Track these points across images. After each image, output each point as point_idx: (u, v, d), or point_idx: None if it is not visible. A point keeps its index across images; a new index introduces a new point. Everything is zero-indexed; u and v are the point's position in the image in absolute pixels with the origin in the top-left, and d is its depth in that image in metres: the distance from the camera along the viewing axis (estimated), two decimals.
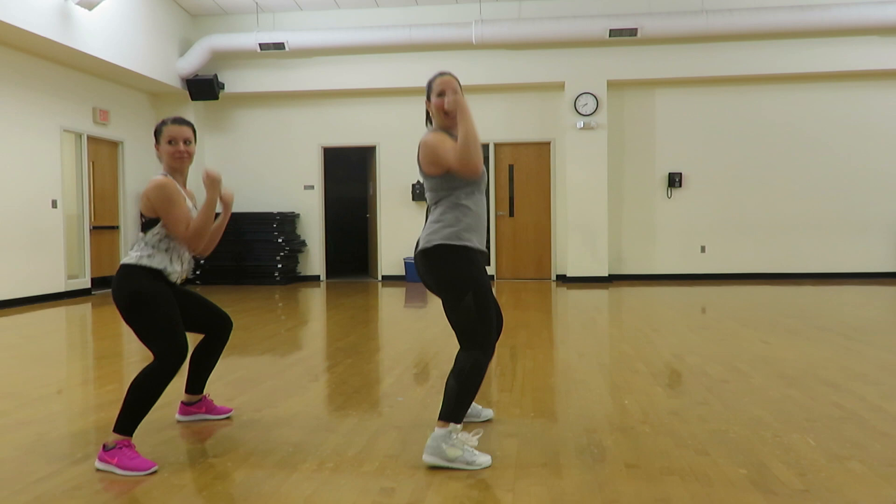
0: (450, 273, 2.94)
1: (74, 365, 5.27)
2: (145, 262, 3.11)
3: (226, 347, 5.66)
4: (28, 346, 5.98)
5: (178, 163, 3.22)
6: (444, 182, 3.02)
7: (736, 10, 10.44)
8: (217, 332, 3.47)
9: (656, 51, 11.02)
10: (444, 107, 3.04)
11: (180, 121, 3.28)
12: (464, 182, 3.02)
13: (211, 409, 3.59)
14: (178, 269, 3.21)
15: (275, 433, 3.31)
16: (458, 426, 2.85)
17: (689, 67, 11.00)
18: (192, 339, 3.41)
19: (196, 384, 3.54)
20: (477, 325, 2.89)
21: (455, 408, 2.84)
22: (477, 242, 3.03)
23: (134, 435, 2.99)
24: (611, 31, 10.63)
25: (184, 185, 3.30)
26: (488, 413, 3.51)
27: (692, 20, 10.46)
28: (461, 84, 3.20)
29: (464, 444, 2.83)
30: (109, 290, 9.31)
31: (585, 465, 2.83)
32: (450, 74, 3.16)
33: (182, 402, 3.57)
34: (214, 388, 4.29)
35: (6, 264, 8.53)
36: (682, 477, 2.69)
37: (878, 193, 11.15)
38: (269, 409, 3.75)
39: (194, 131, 3.32)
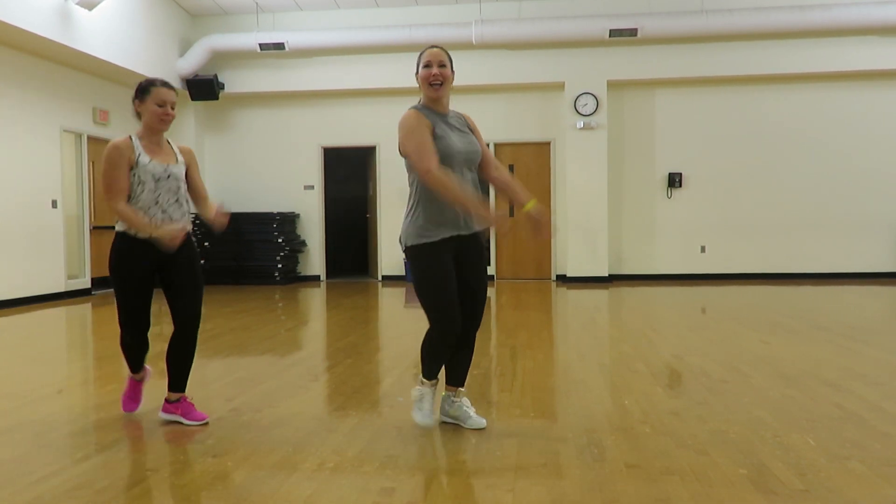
0: (414, 270, 3.22)
1: (74, 365, 5.28)
2: (118, 226, 3.39)
3: (226, 347, 5.66)
4: (28, 347, 5.98)
5: (162, 125, 3.41)
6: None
7: (736, 10, 10.44)
8: (177, 327, 3.47)
9: (656, 51, 11.02)
10: (428, 78, 3.15)
11: (169, 84, 3.45)
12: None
13: (186, 412, 3.48)
14: (158, 220, 3.36)
15: (275, 433, 3.31)
16: (424, 379, 3.29)
17: (689, 67, 11.00)
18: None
19: (170, 381, 3.50)
20: (428, 311, 3.19)
21: (421, 364, 3.33)
22: (444, 231, 3.14)
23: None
24: (611, 31, 10.63)
25: (159, 144, 3.45)
26: (477, 422, 3.35)
27: (692, 20, 10.46)
28: (452, 59, 3.27)
29: (416, 396, 3.31)
30: (110, 290, 9.30)
31: (585, 466, 2.83)
32: (439, 48, 3.24)
33: (165, 399, 3.54)
34: (215, 387, 4.30)
35: (6, 264, 8.53)
36: (682, 477, 2.69)
37: (878, 193, 11.15)
38: (269, 409, 3.75)
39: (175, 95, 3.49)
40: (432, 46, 3.26)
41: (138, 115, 3.42)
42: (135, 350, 3.54)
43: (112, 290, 3.46)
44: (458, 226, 3.18)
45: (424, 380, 3.30)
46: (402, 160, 3.26)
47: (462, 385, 3.41)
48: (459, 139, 3.22)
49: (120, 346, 3.55)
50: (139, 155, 3.36)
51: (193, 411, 3.50)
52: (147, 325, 3.48)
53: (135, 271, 3.36)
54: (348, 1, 11.19)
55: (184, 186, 3.52)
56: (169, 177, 3.40)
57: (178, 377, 3.50)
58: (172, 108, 3.41)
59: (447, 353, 3.26)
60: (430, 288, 3.16)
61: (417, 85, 3.25)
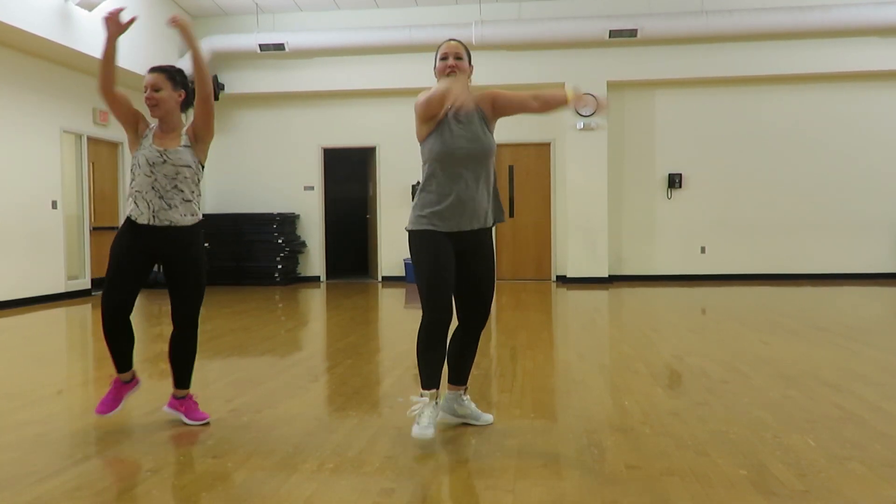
0: (412, 255, 3.24)
1: (74, 366, 5.28)
2: (128, 210, 3.44)
3: (226, 348, 5.66)
4: (28, 347, 5.98)
5: (152, 111, 3.40)
6: (422, 148, 3.23)
7: (736, 10, 10.44)
8: (175, 325, 3.49)
9: (656, 51, 11.02)
10: (444, 70, 3.16)
11: (154, 68, 3.45)
12: (435, 153, 3.16)
13: (189, 411, 3.49)
14: (144, 210, 3.34)
15: (275, 434, 3.31)
16: (422, 391, 3.15)
17: (688, 68, 11.00)
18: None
19: (174, 378, 3.52)
20: (421, 297, 3.19)
21: (418, 371, 3.20)
22: (446, 223, 3.14)
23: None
24: (611, 31, 10.63)
25: (170, 130, 3.42)
26: (487, 418, 3.42)
27: (692, 21, 10.46)
28: (470, 54, 3.27)
29: (416, 411, 3.12)
30: None
31: (585, 466, 2.83)
32: (457, 41, 3.25)
33: (171, 395, 3.57)
34: (215, 388, 4.30)
35: (6, 265, 8.53)
36: (683, 478, 2.69)
37: (878, 194, 11.15)
38: (269, 409, 3.75)
39: (172, 77, 3.42)
40: (450, 40, 3.27)
41: None
42: (115, 335, 3.37)
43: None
44: (461, 222, 3.17)
45: (423, 391, 3.15)
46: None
47: (466, 383, 3.40)
48: (464, 135, 3.17)
49: (104, 336, 3.38)
50: (145, 137, 3.39)
51: (196, 411, 3.50)
52: (126, 304, 3.35)
53: (122, 246, 3.38)
54: (348, 2, 11.19)
55: (185, 172, 3.38)
56: (164, 162, 3.34)
57: (179, 375, 3.50)
58: (157, 91, 3.36)
59: (438, 349, 3.14)
60: (424, 272, 3.16)
61: (435, 78, 3.24)
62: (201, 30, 11.65)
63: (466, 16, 11.05)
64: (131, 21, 3.30)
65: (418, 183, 11.80)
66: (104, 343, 3.40)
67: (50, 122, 9.30)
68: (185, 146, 3.41)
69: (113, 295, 3.33)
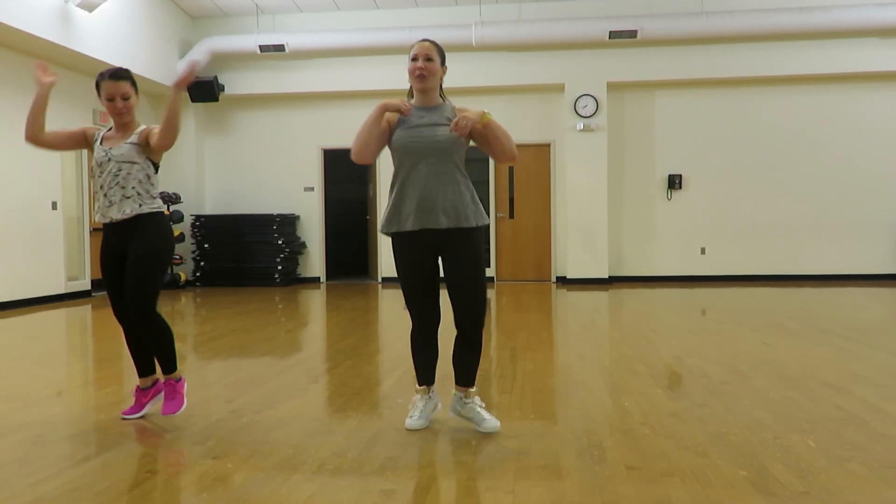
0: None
1: (74, 367, 5.28)
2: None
3: (226, 349, 5.65)
4: (28, 348, 5.97)
5: (118, 118, 3.40)
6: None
7: (736, 11, 10.45)
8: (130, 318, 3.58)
9: (656, 52, 11.03)
10: (414, 71, 3.25)
11: (117, 75, 3.36)
12: (395, 158, 3.28)
13: (157, 395, 3.67)
14: (98, 210, 3.45)
15: (275, 435, 3.31)
16: (416, 386, 3.42)
17: (688, 69, 11.00)
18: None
19: (138, 367, 3.64)
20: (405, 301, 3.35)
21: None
22: (412, 222, 3.19)
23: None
24: (611, 32, 10.64)
25: (125, 132, 3.45)
26: (490, 425, 3.29)
27: (692, 22, 10.47)
28: (443, 54, 3.32)
29: (410, 405, 3.41)
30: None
31: (585, 467, 2.83)
32: (430, 41, 3.30)
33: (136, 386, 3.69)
34: (215, 389, 4.29)
35: (6, 266, 8.53)
36: (683, 479, 2.68)
37: (878, 195, 11.15)
38: (269, 410, 3.75)
39: (134, 83, 3.41)
40: (423, 40, 3.31)
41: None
42: (128, 340, 3.60)
43: None
44: (429, 220, 3.18)
45: (416, 387, 3.43)
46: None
47: (471, 385, 3.38)
48: (427, 131, 3.20)
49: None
50: (95, 141, 3.48)
51: (167, 401, 3.58)
52: (117, 307, 3.55)
53: (104, 245, 3.53)
54: (348, 2, 11.20)
55: (128, 169, 3.36)
56: (109, 160, 3.39)
57: (142, 364, 3.63)
58: (125, 99, 3.34)
59: (424, 350, 3.36)
60: (401, 278, 3.33)
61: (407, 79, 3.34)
62: (202, 30, 11.67)
63: (466, 17, 11.06)
64: (54, 80, 3.36)
65: None
66: (117, 352, 3.62)
67: (50, 123, 9.22)
68: (130, 143, 3.41)
69: (112, 305, 3.55)
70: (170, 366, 3.53)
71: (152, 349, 3.51)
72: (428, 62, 3.24)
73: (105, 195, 3.40)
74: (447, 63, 3.41)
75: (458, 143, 3.23)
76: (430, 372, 3.41)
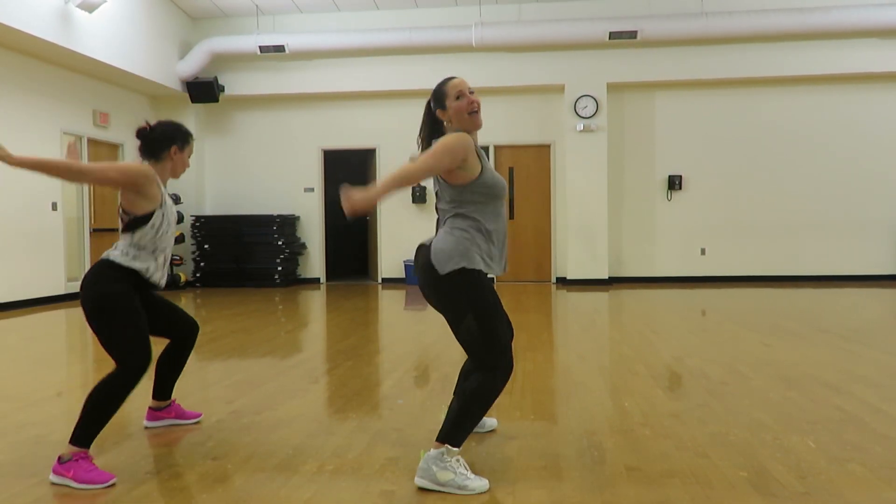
0: (473, 298, 2.78)
1: (74, 367, 5.28)
2: (124, 260, 3.01)
3: (226, 350, 5.66)
4: (28, 349, 5.97)
5: (176, 176, 3.25)
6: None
7: (735, 12, 10.45)
8: (182, 338, 3.43)
9: (656, 53, 11.03)
10: (470, 107, 2.85)
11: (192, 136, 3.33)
12: (486, 188, 2.83)
13: (180, 414, 3.54)
14: (161, 269, 3.14)
15: (275, 435, 3.31)
16: (455, 450, 2.66)
17: (688, 70, 11.00)
18: (158, 345, 3.24)
19: (162, 390, 3.48)
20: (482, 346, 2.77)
21: (452, 429, 2.67)
22: (493, 266, 2.86)
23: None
24: (610, 33, 10.64)
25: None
26: (492, 423, 3.40)
27: (692, 23, 10.47)
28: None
29: (456, 468, 2.63)
30: None
31: (586, 468, 2.83)
32: (459, 78, 2.98)
33: (150, 408, 3.51)
34: (215, 390, 4.29)
35: (6, 266, 8.53)
36: (683, 479, 2.68)
37: (878, 196, 11.14)
38: (268, 411, 3.75)
39: None
40: (452, 78, 2.93)
41: (163, 156, 3.14)
42: (163, 360, 3.50)
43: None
44: (502, 265, 2.93)
45: (450, 447, 2.69)
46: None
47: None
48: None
49: (98, 401, 2.95)
50: (164, 194, 3.13)
51: (185, 411, 3.58)
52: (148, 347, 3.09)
53: (130, 292, 3.06)
54: (348, 3, 11.20)
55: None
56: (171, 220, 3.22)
57: (169, 386, 3.53)
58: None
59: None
60: (497, 319, 2.85)
61: (442, 114, 2.90)
62: (202, 31, 11.67)
63: (466, 17, 11.06)
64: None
65: (419, 184, 11.83)
66: (90, 412, 2.89)
67: (50, 124, 9.31)
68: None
69: (144, 354, 2.95)
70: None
71: (181, 367, 3.51)
72: (471, 94, 2.88)
73: (161, 258, 3.14)
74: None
75: (441, 192, 2.92)
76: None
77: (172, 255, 3.36)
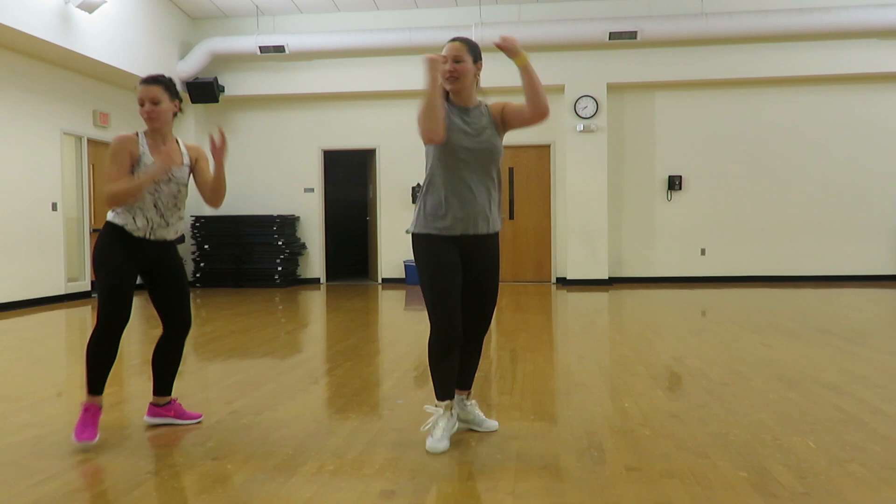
0: (417, 261, 3.18)
1: (74, 368, 5.27)
2: (111, 217, 3.31)
3: (226, 350, 5.65)
4: (28, 349, 5.97)
5: (149, 122, 3.31)
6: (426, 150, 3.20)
7: (735, 12, 10.45)
8: (172, 331, 3.47)
9: (656, 54, 11.03)
10: (444, 74, 3.13)
11: (149, 80, 3.33)
12: (436, 151, 3.11)
13: (179, 413, 3.53)
14: (141, 226, 3.28)
15: (274, 436, 3.31)
16: (437, 402, 3.15)
17: (688, 70, 11.01)
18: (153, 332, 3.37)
19: (160, 385, 3.49)
20: (427, 309, 3.15)
21: (432, 380, 3.19)
22: (451, 228, 3.09)
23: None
24: (610, 34, 10.64)
25: (163, 142, 3.36)
26: (492, 424, 3.36)
27: (692, 23, 10.47)
28: (477, 51, 3.24)
29: (434, 421, 3.11)
30: None
31: (585, 468, 2.83)
32: (461, 41, 3.19)
33: (150, 403, 3.53)
34: (215, 390, 4.29)
35: (6, 267, 8.53)
36: (683, 480, 2.68)
37: (878, 196, 11.15)
38: (268, 411, 3.75)
39: (168, 88, 3.33)
40: (453, 39, 3.21)
41: None
42: (106, 352, 3.25)
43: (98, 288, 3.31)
44: (466, 226, 3.12)
45: (437, 402, 3.15)
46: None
47: (469, 388, 3.37)
48: (467, 137, 3.12)
49: (92, 353, 3.22)
50: (143, 154, 3.28)
51: (185, 411, 3.56)
52: (126, 319, 3.26)
53: (117, 253, 3.26)
54: (348, 4, 11.20)
55: (185, 192, 3.47)
56: (170, 181, 3.34)
57: (165, 381, 3.51)
58: (154, 104, 3.27)
59: (449, 360, 3.09)
60: (428, 283, 3.11)
61: (419, 88, 3.22)
62: (202, 31, 11.67)
63: (466, 18, 11.06)
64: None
65: (418, 185, 11.80)
66: (85, 362, 3.24)
67: (50, 124, 9.31)
68: (186, 165, 3.44)
69: (113, 310, 3.21)
70: (172, 384, 3.56)
71: (177, 363, 3.51)
72: (457, 64, 3.14)
73: (161, 215, 3.33)
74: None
75: (492, 149, 3.17)
76: (451, 383, 3.18)
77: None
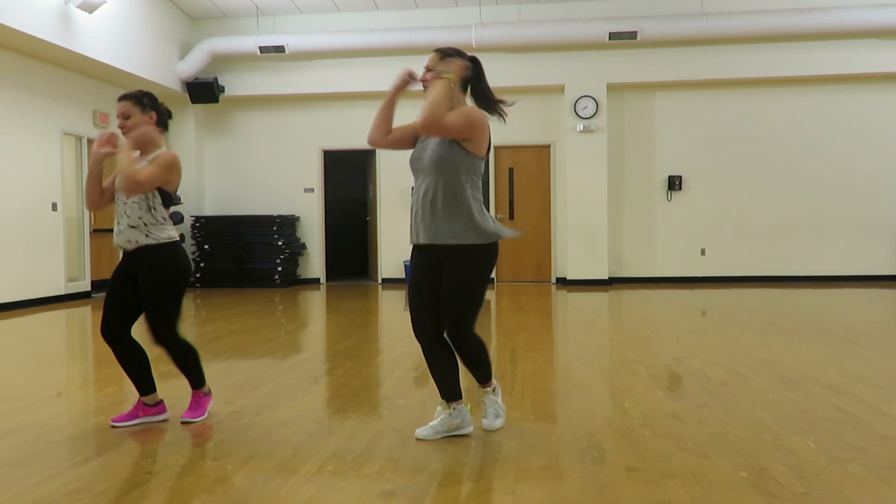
0: None
1: (74, 368, 5.28)
2: (170, 235, 3.52)
3: (226, 350, 5.65)
4: (28, 349, 5.97)
5: (124, 136, 3.45)
6: (476, 163, 3.43)
7: (735, 12, 10.45)
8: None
9: (656, 54, 11.03)
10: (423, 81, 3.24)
11: (121, 97, 3.49)
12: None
13: (146, 411, 3.54)
14: (115, 231, 3.47)
15: (275, 436, 3.31)
16: (445, 402, 3.25)
17: (688, 70, 11.00)
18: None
19: (138, 385, 3.53)
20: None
21: None
22: (415, 238, 3.19)
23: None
24: (610, 34, 10.64)
25: (146, 156, 3.48)
26: (492, 424, 3.32)
27: (692, 23, 10.47)
28: (457, 55, 3.34)
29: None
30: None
31: (586, 468, 2.83)
32: (437, 51, 3.35)
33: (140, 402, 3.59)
34: (215, 390, 4.28)
35: (6, 267, 8.52)
36: (683, 480, 2.68)
37: (878, 196, 11.14)
38: (269, 411, 3.75)
39: (139, 102, 3.44)
40: (436, 50, 3.37)
41: None
42: (116, 354, 3.49)
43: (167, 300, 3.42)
44: (419, 235, 3.16)
45: (441, 400, 3.29)
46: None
47: (482, 382, 3.33)
48: (417, 149, 3.31)
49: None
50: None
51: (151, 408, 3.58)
52: (110, 323, 3.47)
53: (117, 267, 3.53)
54: (348, 4, 11.20)
55: (133, 198, 3.41)
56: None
57: (149, 381, 3.57)
58: (126, 118, 3.43)
59: (434, 364, 3.22)
60: (408, 290, 3.34)
61: (418, 88, 3.33)
62: (202, 32, 11.67)
63: (466, 18, 11.06)
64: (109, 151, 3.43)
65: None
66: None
67: (50, 125, 9.31)
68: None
69: (103, 321, 3.45)
70: (196, 382, 3.57)
71: (178, 369, 3.55)
72: (429, 73, 3.27)
73: (118, 222, 3.46)
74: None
75: (448, 159, 3.16)
76: (445, 384, 3.23)
77: (189, 281, 3.54)
